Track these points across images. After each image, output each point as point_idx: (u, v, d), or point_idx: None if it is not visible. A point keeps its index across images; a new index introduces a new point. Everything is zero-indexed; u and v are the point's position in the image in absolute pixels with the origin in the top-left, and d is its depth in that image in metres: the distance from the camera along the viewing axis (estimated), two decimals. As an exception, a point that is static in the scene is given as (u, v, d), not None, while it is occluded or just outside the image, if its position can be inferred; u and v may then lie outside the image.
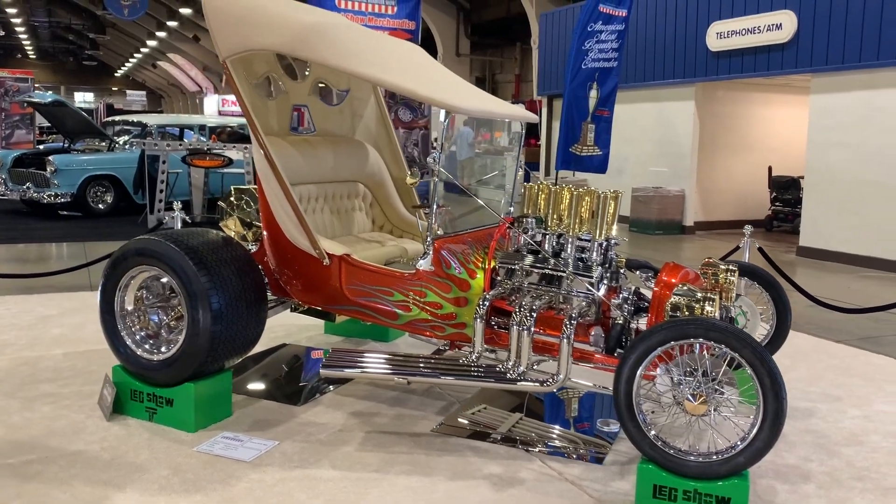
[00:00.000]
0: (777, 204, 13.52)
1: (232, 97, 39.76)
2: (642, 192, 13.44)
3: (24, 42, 47.51)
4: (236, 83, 4.09)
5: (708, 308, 3.38)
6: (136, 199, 12.67)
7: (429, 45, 23.54)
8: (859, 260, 10.13)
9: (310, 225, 4.08)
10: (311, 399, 4.41)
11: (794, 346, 5.52)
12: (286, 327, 5.77)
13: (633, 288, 3.92)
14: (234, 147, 11.90)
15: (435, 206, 3.84)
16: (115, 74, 59.31)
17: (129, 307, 4.06)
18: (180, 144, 11.85)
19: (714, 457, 3.09)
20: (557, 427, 4.21)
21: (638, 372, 3.18)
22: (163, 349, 3.95)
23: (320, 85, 5.03)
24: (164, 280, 4.09)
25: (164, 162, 11.23)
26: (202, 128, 14.16)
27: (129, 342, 4.00)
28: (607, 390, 3.72)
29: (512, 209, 4.61)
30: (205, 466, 3.51)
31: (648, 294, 3.90)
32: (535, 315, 3.62)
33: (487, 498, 3.31)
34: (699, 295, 3.44)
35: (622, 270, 4.00)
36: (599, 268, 3.81)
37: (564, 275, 3.82)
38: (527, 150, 19.39)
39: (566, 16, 15.59)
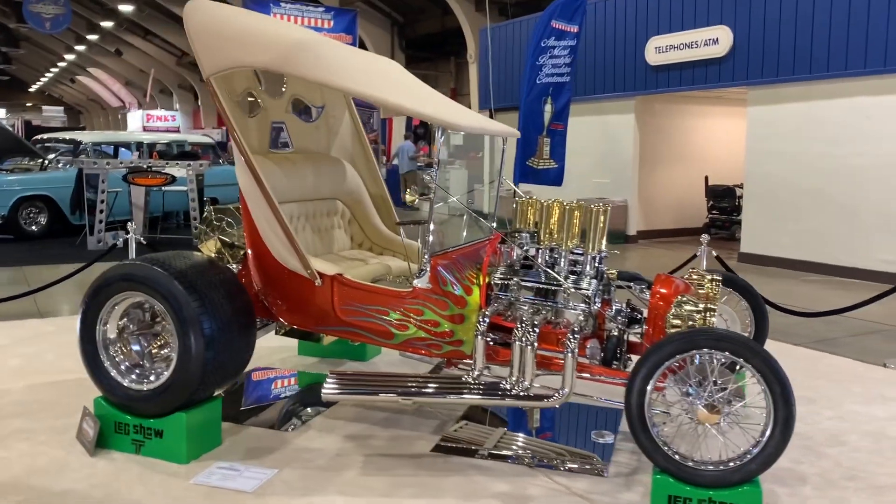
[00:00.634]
0: (714, 212, 13.98)
1: (158, 112, 38.94)
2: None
3: (-70, 56, 45.16)
4: (221, 101, 3.97)
5: (711, 318, 3.45)
6: (73, 220, 12.15)
7: (364, 59, 23.39)
8: (799, 265, 10.55)
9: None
10: (289, 424, 4.30)
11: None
12: (258, 350, 5.60)
13: (626, 300, 3.99)
14: (178, 164, 11.57)
15: (431, 224, 3.81)
16: (30, 90, 57.00)
17: (112, 336, 3.88)
18: (121, 163, 11.46)
19: (728, 465, 3.14)
20: (540, 440, 4.23)
21: (650, 384, 3.21)
22: (151, 378, 3.78)
23: (295, 101, 4.94)
24: (146, 307, 3.93)
25: (103, 181, 10.82)
26: (139, 145, 13.71)
27: (113, 373, 3.82)
28: (610, 402, 3.77)
29: (494, 224, 4.62)
30: (205, 499, 3.37)
31: (639, 305, 3.97)
32: (537, 330, 3.62)
33: (503, 517, 3.29)
34: (701, 306, 3.51)
35: (613, 283, 4.07)
36: (594, 281, 3.85)
37: (561, 289, 3.85)
38: (471, 163, 19.53)
39: (508, 30, 15.77)
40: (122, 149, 13.80)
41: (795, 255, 10.65)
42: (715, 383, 3.19)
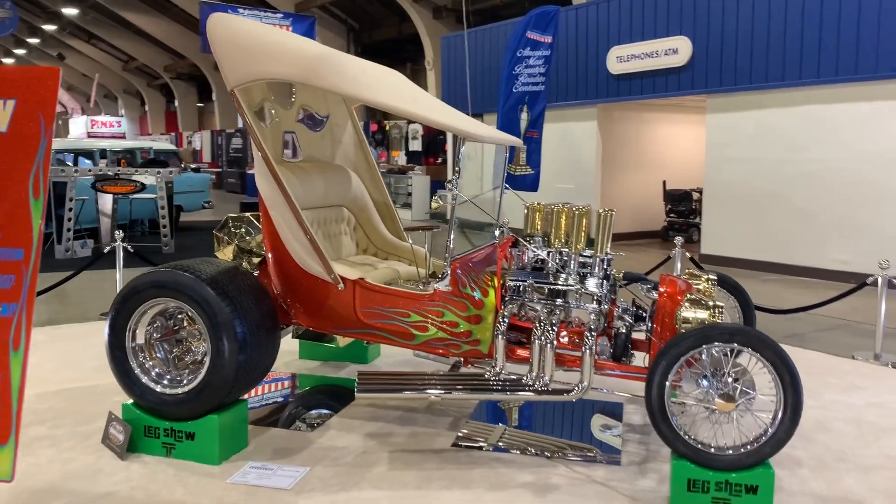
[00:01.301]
0: (672, 215, 14.48)
1: (103, 118, 38.12)
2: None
3: None
4: (245, 112, 4.09)
5: (720, 315, 3.71)
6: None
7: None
8: (758, 265, 11.05)
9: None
10: (305, 424, 4.43)
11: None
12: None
13: (632, 299, 4.24)
14: (147, 172, 11.48)
15: (452, 230, 3.99)
16: (-35, 94, 54.99)
17: (141, 342, 3.95)
18: (89, 170, 11.31)
19: (743, 449, 3.40)
20: (543, 435, 4.45)
21: (669, 377, 3.45)
22: (184, 382, 3.87)
23: (303, 110, 5.07)
24: (168, 313, 4.02)
25: (71, 189, 10.68)
26: (103, 153, 13.50)
27: (144, 379, 3.89)
28: (623, 395, 4.00)
29: (505, 229, 4.82)
30: (248, 498, 3.48)
31: (643, 304, 4.22)
32: (556, 329, 3.84)
33: (534, 505, 3.49)
34: (710, 303, 3.77)
35: (619, 283, 4.32)
36: (604, 281, 4.09)
37: (573, 289, 4.07)
38: (432, 169, 19.74)
39: (471, 39, 16.02)
40: (83, 158, 13.53)
41: (754, 255, 11.15)
42: (729, 374, 3.45)
